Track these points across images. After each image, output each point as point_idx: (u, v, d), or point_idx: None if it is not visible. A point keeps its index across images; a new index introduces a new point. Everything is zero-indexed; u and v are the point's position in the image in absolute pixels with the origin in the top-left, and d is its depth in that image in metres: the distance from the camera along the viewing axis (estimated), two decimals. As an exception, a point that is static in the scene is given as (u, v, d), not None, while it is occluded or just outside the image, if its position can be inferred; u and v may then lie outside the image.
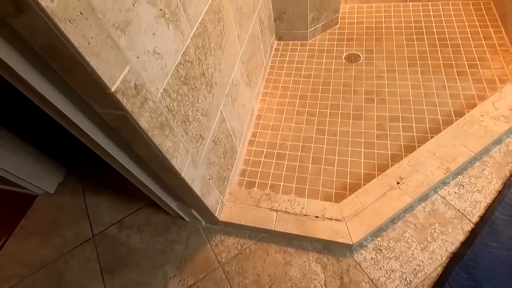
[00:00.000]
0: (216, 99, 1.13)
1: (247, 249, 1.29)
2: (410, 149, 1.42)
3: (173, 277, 1.28)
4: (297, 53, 2.01)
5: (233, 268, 1.26)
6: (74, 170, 1.76)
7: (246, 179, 1.47)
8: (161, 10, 0.72)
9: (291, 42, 2.09)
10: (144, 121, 0.69)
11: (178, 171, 0.88)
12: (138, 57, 0.66)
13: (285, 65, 1.96)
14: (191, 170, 0.96)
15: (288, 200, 1.31)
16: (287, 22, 1.97)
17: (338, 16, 2.04)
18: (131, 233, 1.44)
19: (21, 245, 1.52)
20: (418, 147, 1.40)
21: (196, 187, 1.02)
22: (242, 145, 1.54)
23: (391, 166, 1.36)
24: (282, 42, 2.11)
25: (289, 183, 1.42)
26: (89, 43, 0.51)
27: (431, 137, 1.43)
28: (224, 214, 1.31)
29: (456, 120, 1.47)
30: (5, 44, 0.49)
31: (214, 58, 1.07)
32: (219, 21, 1.08)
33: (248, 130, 1.62)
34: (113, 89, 0.58)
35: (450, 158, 1.29)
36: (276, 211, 1.29)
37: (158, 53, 0.73)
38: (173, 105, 0.82)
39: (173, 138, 0.83)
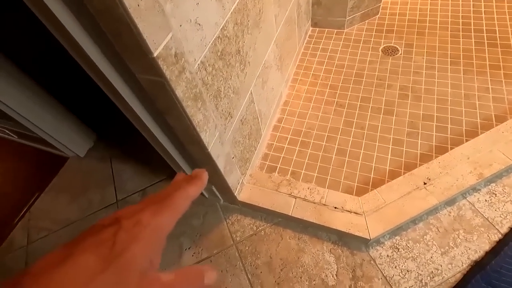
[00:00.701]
0: (248, 78, 1.12)
1: (262, 231, 1.31)
2: (442, 150, 1.36)
3: (188, 249, 1.33)
4: (332, 41, 1.95)
5: (247, 248, 1.28)
6: (103, 137, 1.84)
7: (267, 163, 1.47)
8: (206, -20, 0.72)
9: (326, 30, 2.02)
10: (180, 90, 0.70)
11: (206, 145, 0.90)
12: (181, 25, 0.66)
13: (318, 52, 1.91)
14: (218, 146, 0.98)
15: (308, 188, 1.30)
16: (325, 8, 1.90)
17: (379, 6, 1.94)
18: (152, 202, 1.50)
19: (52, 201, 1.63)
20: (451, 149, 1.34)
21: (220, 164, 1.04)
22: (267, 129, 1.53)
23: (419, 166, 1.31)
24: (317, 29, 2.04)
25: (311, 171, 1.41)
26: (138, 5, 0.52)
27: (467, 141, 1.36)
28: (243, 195, 1.33)
29: (496, 125, 1.38)
30: (62, 5, 0.51)
31: (251, 37, 1.06)
32: (254, 5, 1.06)
33: (274, 115, 1.61)
34: (155, 54, 0.59)
35: (485, 163, 1.23)
36: (295, 197, 1.28)
37: (200, 24, 0.73)
38: (208, 78, 0.83)
39: (205, 112, 0.84)
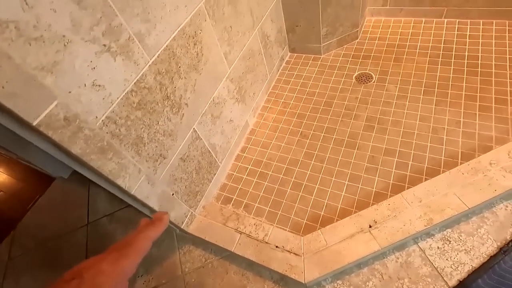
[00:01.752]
0: (187, 119, 1.16)
1: (210, 264, 1.33)
2: (398, 189, 1.29)
3: (141, 276, 1.38)
4: (307, 67, 1.94)
5: (193, 280, 1.31)
6: (86, 160, 1.97)
7: (224, 194, 1.49)
8: (104, 45, 0.77)
9: (304, 55, 2.02)
10: (77, 148, 0.76)
11: (127, 189, 0.95)
12: (70, 92, 0.72)
13: (292, 79, 1.90)
14: (146, 187, 1.02)
15: (255, 224, 1.30)
16: (300, 35, 1.90)
17: (357, 30, 1.90)
18: (118, 227, 1.58)
19: (35, 219, 1.77)
20: (407, 189, 1.27)
21: (153, 202, 1.08)
22: (228, 160, 1.56)
23: (371, 205, 1.26)
24: (296, 54, 2.04)
25: (264, 205, 1.41)
26: (3, 87, 0.58)
27: (426, 180, 1.28)
28: (193, 227, 1.36)
29: (461, 163, 1.29)
30: None
31: (185, 81, 1.10)
32: (194, 44, 1.10)
33: (238, 145, 1.64)
34: (35, 123, 0.65)
35: (438, 208, 1.15)
36: (240, 233, 1.29)
37: (99, 85, 0.78)
38: (119, 130, 0.88)
39: (119, 160, 0.89)
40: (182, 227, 1.30)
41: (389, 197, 1.27)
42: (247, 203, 1.44)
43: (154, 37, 0.92)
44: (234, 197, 1.47)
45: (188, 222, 1.34)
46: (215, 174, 1.46)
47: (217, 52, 1.26)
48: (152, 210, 1.13)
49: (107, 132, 0.84)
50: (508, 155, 1.22)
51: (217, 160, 1.45)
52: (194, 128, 1.22)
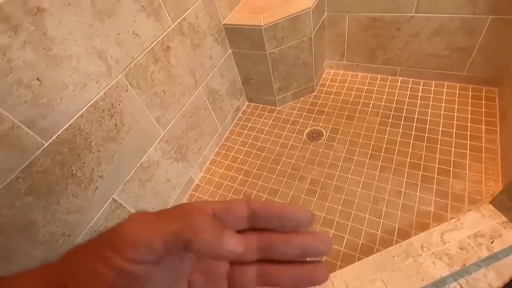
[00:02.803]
0: (103, 191, 1.11)
1: None
2: (330, 267, 1.22)
3: None
4: (262, 119, 1.91)
5: None
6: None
7: (156, 258, 1.41)
8: (-25, 140, 0.73)
9: (261, 106, 2.00)
10: None
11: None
12: None
13: (245, 131, 1.87)
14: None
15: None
16: (255, 87, 1.90)
17: (313, 84, 1.90)
18: None
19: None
20: (339, 268, 1.21)
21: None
22: (165, 220, 1.49)
23: (300, 285, 1.19)
24: (253, 104, 2.03)
25: (193, 275, 1.32)
26: None
27: (359, 259, 1.22)
28: None
29: (396, 242, 1.23)
30: None
31: (99, 154, 1.06)
32: (111, 116, 1.07)
33: (178, 203, 1.57)
34: None
35: (363, 297, 1.08)
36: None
37: (-32, 181, 0.73)
38: (4, 218, 0.82)
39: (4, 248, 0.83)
40: None
41: (319, 277, 1.19)
42: (177, 271, 1.35)
43: (52, 119, 0.88)
44: (165, 263, 1.39)
45: None
46: (146, 238, 1.39)
47: (145, 118, 1.22)
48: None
49: (-21, 227, 0.78)
50: (441, 238, 1.16)
51: (148, 223, 1.38)
52: (113, 198, 1.16)
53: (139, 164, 1.25)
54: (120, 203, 1.20)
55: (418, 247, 1.16)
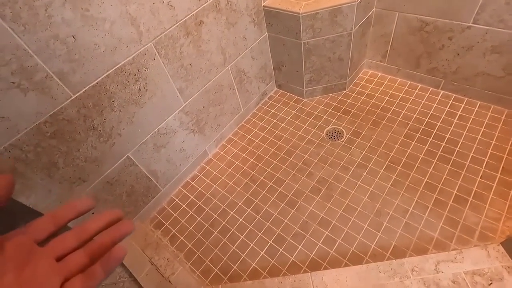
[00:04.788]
0: (119, 147, 1.21)
1: (122, 283, 1.38)
2: (315, 266, 1.24)
3: None
4: (286, 108, 1.90)
5: (102, 294, 1.36)
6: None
7: (159, 218, 1.53)
8: (13, 83, 0.83)
9: (288, 94, 1.98)
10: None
11: (31, 205, 1.01)
12: (-35, 122, 0.79)
13: (267, 117, 1.88)
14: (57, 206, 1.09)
15: (167, 259, 1.32)
16: (285, 75, 1.87)
17: (345, 82, 1.82)
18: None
19: None
20: (324, 269, 1.22)
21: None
22: (174, 185, 1.59)
23: (281, 275, 1.23)
24: (281, 91, 2.01)
25: (188, 241, 1.42)
26: None
27: (346, 265, 1.22)
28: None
29: (388, 259, 1.21)
30: None
31: (121, 113, 1.14)
32: (136, 80, 1.14)
33: (189, 173, 1.66)
34: None
35: (338, 302, 1.09)
36: (152, 264, 1.32)
37: (3, 117, 0.85)
38: (26, 156, 0.94)
39: (25, 181, 0.96)
40: (103, 242, 1.36)
41: (302, 272, 1.22)
42: (174, 234, 1.46)
43: (82, 74, 0.97)
44: (166, 224, 1.50)
45: (112, 238, 1.40)
46: (153, 198, 1.50)
47: (168, 87, 1.28)
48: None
49: (9, 157, 0.91)
50: (435, 267, 1.11)
51: (157, 185, 1.49)
52: (128, 156, 1.26)
53: (156, 129, 1.33)
54: (134, 161, 1.30)
55: (408, 269, 1.12)
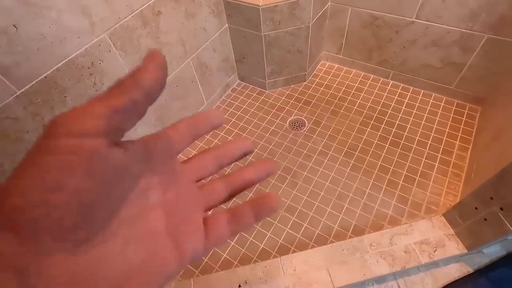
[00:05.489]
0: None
1: None
2: (284, 251, 1.30)
3: None
4: (250, 100, 1.92)
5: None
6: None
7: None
8: None
9: (251, 86, 2.00)
10: None
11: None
12: None
13: (231, 109, 1.88)
14: None
15: (135, 259, 1.29)
16: (247, 67, 1.88)
17: (305, 74, 1.89)
18: None
19: None
20: (292, 253, 1.28)
21: None
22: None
23: (252, 262, 1.26)
24: (244, 84, 2.02)
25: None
26: None
27: (312, 247, 1.29)
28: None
29: (350, 237, 1.31)
30: None
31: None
32: (90, 74, 1.07)
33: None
34: None
35: (306, 282, 1.16)
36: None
37: None
38: (-35, 160, 0.84)
39: None
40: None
41: (272, 258, 1.27)
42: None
43: (27, 68, 0.88)
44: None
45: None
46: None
47: (126, 81, 1.22)
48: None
49: None
50: (390, 240, 1.23)
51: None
52: (85, 155, 1.19)
53: (116, 125, 1.27)
54: (92, 160, 1.23)
55: (367, 245, 1.23)
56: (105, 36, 1.06)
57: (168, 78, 1.39)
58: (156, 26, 1.24)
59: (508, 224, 0.97)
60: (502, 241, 1.20)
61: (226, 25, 1.67)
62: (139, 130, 1.39)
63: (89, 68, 1.06)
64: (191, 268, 1.29)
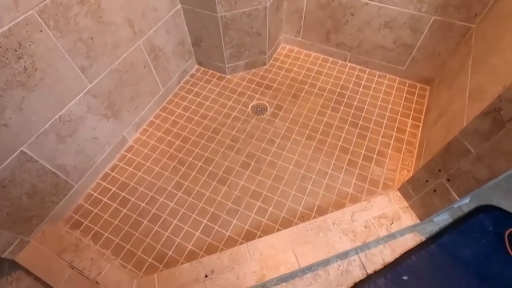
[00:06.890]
0: (7, 140, 0.99)
1: (36, 298, 1.20)
2: (250, 237, 1.29)
3: (-50, 305, 1.19)
4: (210, 86, 1.85)
5: (11, 315, 1.16)
6: None
7: (76, 217, 1.36)
8: None
9: (210, 71, 1.92)
10: None
11: None
12: None
13: (190, 96, 1.80)
14: None
15: (91, 259, 1.20)
16: (205, 51, 1.80)
17: (265, 57, 1.86)
18: None
19: None
20: (258, 237, 1.28)
21: None
22: (89, 178, 1.41)
23: (219, 251, 1.24)
24: (203, 69, 1.94)
25: (114, 236, 1.30)
26: None
27: (278, 230, 1.30)
28: (22, 255, 1.20)
29: (314, 217, 1.33)
30: None
31: (3, 99, 0.93)
32: (18, 58, 0.93)
33: (108, 163, 1.49)
34: None
35: (273, 264, 1.17)
36: (72, 268, 1.18)
37: None
38: None
39: None
40: (3, 256, 1.14)
41: (238, 244, 1.26)
42: (97, 231, 1.32)
43: None
44: (86, 222, 1.34)
45: (16, 250, 1.19)
46: (66, 195, 1.31)
47: (66, 66, 1.09)
48: None
49: None
50: (351, 217, 1.28)
51: (68, 181, 1.30)
52: (22, 150, 1.05)
53: (57, 116, 1.14)
54: (32, 156, 1.10)
55: (330, 224, 1.26)
56: (33, 13, 0.92)
57: (116, 62, 1.27)
58: (96, 4, 1.11)
59: (454, 193, 1.05)
60: (449, 209, 1.30)
61: (179, 5, 1.56)
62: (89, 120, 1.27)
63: (16, 51, 0.92)
64: (155, 263, 1.23)
